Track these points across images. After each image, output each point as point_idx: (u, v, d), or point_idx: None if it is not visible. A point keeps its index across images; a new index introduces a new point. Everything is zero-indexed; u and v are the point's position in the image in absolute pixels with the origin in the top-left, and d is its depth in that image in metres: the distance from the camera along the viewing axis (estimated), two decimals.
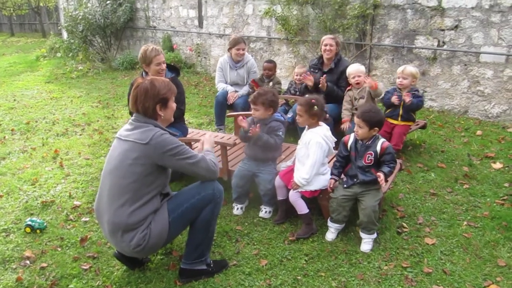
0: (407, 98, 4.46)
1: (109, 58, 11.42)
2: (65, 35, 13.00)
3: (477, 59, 6.04)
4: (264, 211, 3.62)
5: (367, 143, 3.16)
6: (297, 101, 3.36)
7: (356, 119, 3.15)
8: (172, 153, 2.56)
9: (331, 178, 3.30)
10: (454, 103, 6.42)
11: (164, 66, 4.14)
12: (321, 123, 3.35)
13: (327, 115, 3.42)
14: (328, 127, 3.37)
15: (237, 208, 3.69)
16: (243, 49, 5.57)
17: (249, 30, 8.86)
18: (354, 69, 4.72)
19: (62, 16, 13.86)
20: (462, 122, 5.98)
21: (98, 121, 6.64)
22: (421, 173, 4.35)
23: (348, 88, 4.86)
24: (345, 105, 4.84)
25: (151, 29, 11.16)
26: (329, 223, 3.31)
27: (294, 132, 5.07)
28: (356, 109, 4.76)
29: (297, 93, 5.42)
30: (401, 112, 4.61)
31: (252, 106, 3.54)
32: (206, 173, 2.74)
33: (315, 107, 3.25)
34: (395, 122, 4.68)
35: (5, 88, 9.18)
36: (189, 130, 4.72)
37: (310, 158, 3.23)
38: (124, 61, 10.95)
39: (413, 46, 6.61)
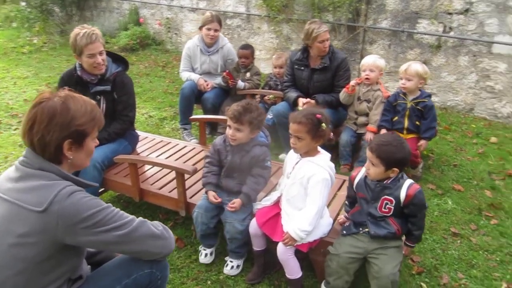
0: (422, 146, 3.66)
1: (69, 31, 10.10)
2: (23, 2, 11.56)
3: (488, 49, 5.18)
4: (230, 266, 2.61)
5: (385, 182, 2.20)
6: (291, 115, 2.28)
7: (368, 153, 2.16)
8: (88, 224, 1.51)
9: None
10: (458, 99, 5.58)
11: (100, 59, 2.99)
12: (319, 148, 2.36)
13: (332, 133, 2.39)
14: (329, 154, 2.37)
15: (206, 254, 2.69)
16: (216, 30, 4.46)
17: (225, 5, 7.75)
18: (369, 61, 3.71)
19: None
20: (470, 123, 5.12)
21: None
22: (435, 199, 3.44)
23: (357, 81, 3.80)
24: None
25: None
26: None
27: (273, 135, 4.11)
28: (356, 112, 3.82)
29: (278, 87, 4.45)
30: (406, 123, 3.66)
31: (231, 124, 2.47)
32: (151, 248, 1.70)
33: (323, 124, 2.23)
34: (400, 135, 3.60)
35: None
36: (141, 135, 3.69)
37: (314, 203, 2.22)
38: None
39: (415, 30, 5.70)
